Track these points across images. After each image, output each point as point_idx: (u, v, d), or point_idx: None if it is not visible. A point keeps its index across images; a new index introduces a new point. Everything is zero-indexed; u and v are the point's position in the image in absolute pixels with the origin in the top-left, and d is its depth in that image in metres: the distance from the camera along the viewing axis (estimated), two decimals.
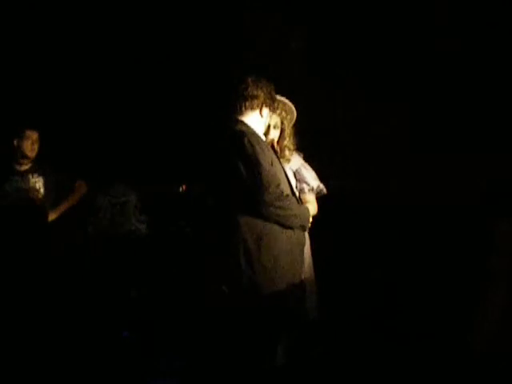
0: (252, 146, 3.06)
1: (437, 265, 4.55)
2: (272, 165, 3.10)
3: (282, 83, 3.60)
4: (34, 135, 4.40)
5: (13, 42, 5.06)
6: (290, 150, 3.69)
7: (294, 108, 3.69)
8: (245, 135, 3.10)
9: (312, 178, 3.72)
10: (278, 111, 3.59)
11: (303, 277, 3.44)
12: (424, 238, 4.68)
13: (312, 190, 3.69)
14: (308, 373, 3.63)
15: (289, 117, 3.67)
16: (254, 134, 3.17)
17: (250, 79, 3.27)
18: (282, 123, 3.63)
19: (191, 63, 5.10)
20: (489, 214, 4.15)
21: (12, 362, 3.73)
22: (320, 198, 3.80)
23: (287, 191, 3.19)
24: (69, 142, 4.73)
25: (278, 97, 3.60)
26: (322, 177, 3.80)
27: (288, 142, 3.66)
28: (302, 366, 3.59)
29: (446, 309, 4.27)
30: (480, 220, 4.34)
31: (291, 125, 3.69)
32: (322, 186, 3.72)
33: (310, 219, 3.32)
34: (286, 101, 3.67)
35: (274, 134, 3.61)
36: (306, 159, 3.82)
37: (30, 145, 4.37)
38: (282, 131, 3.65)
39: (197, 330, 3.72)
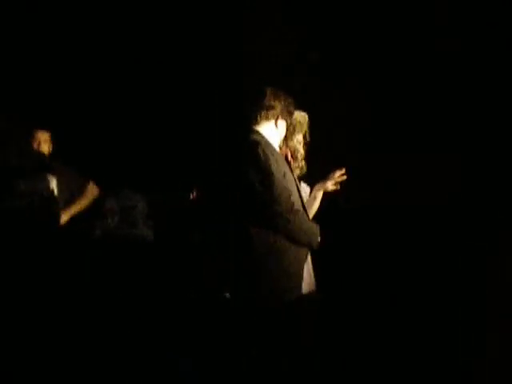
0: (265, 155, 3.07)
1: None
2: (284, 177, 3.12)
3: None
4: (44, 135, 4.41)
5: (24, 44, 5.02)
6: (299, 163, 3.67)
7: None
8: (259, 145, 3.11)
9: None
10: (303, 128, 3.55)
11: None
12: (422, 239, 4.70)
13: None
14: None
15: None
16: (268, 144, 3.18)
17: (268, 90, 3.30)
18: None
19: (200, 65, 5.06)
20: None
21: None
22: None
23: (298, 205, 3.18)
24: (79, 144, 4.70)
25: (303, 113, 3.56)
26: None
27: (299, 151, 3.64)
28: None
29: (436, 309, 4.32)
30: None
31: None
32: None
33: (319, 238, 3.30)
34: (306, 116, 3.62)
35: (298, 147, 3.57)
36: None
37: (41, 145, 4.38)
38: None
39: (203, 335, 3.73)
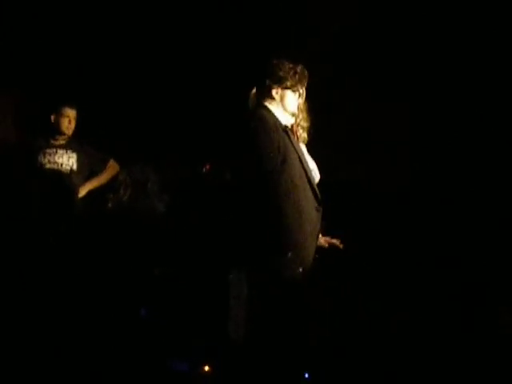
0: (255, 130, 2.97)
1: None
2: (279, 150, 2.99)
3: None
4: (71, 113, 4.47)
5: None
6: (303, 128, 3.54)
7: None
8: (250, 120, 3.03)
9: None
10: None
11: None
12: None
13: None
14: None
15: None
16: (266, 118, 3.08)
17: (273, 61, 3.20)
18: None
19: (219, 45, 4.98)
20: None
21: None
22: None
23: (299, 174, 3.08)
24: (94, 119, 4.74)
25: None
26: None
27: (301, 119, 3.49)
28: None
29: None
30: None
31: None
32: None
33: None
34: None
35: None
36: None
37: (67, 122, 4.44)
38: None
39: (217, 312, 3.73)
